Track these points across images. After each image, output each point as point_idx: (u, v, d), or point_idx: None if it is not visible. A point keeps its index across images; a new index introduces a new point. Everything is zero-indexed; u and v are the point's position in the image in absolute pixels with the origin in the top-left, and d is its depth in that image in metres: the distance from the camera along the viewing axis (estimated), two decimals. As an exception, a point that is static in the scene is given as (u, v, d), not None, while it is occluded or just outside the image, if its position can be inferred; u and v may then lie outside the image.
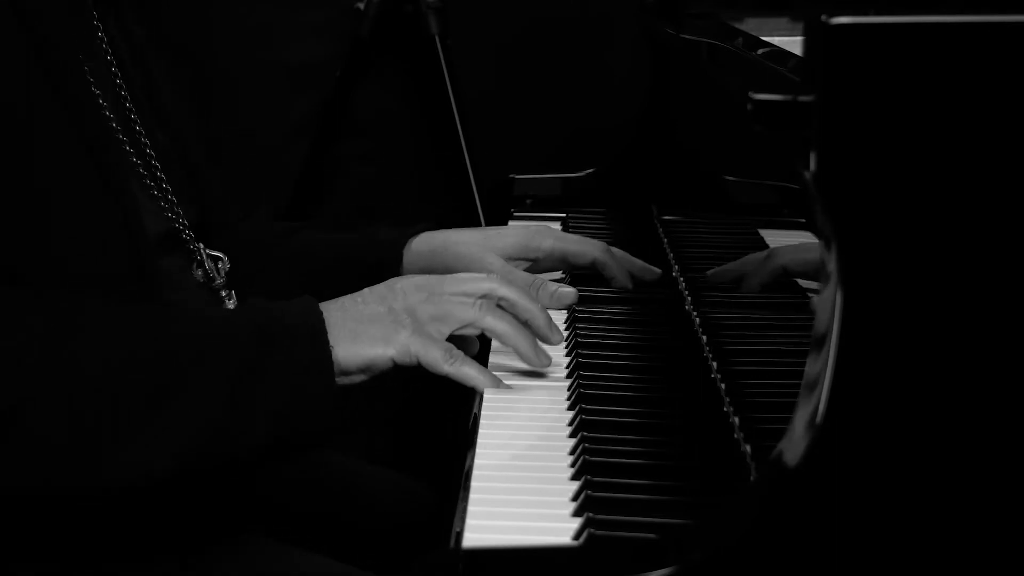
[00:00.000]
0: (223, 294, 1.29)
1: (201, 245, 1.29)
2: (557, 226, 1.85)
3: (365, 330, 1.12)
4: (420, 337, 1.13)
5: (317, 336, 1.09)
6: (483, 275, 1.23)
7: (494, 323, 1.17)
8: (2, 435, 0.98)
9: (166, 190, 1.26)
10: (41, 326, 1.03)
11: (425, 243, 1.42)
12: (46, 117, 1.10)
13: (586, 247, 1.42)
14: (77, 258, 1.10)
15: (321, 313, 1.11)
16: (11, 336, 1.01)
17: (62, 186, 1.10)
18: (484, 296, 1.17)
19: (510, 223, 1.88)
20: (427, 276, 1.19)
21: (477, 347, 1.22)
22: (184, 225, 1.27)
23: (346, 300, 1.15)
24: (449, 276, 1.20)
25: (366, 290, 1.17)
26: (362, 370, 1.12)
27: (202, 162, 1.36)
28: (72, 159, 1.12)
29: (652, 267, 1.51)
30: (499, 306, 1.18)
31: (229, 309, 1.13)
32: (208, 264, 1.29)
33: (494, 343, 1.26)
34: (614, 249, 1.47)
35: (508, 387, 1.19)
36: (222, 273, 1.29)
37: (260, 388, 1.05)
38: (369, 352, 1.11)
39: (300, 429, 1.09)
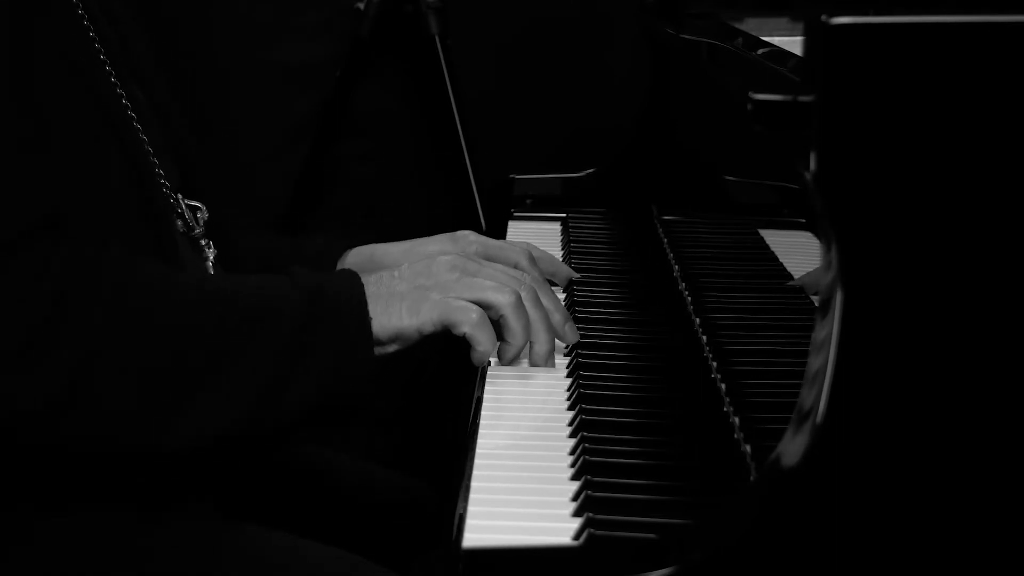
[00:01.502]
0: (203, 243, 1.31)
1: (180, 196, 1.30)
2: (557, 226, 1.85)
3: (396, 303, 1.16)
4: (444, 302, 1.17)
5: (360, 310, 1.15)
6: (518, 271, 1.27)
7: (518, 314, 1.19)
8: (73, 388, 1.03)
9: (144, 143, 1.26)
10: (113, 281, 1.07)
11: (355, 256, 1.45)
12: (50, 67, 1.12)
13: (508, 252, 1.42)
14: (93, 211, 1.13)
15: (363, 288, 1.16)
16: (84, 288, 1.05)
17: (77, 139, 1.14)
18: (516, 288, 1.20)
19: (508, 223, 1.88)
20: (464, 258, 1.23)
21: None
22: (161, 175, 1.28)
23: (384, 275, 1.20)
24: (486, 262, 1.25)
25: (405, 265, 1.22)
26: (392, 340, 1.17)
27: (181, 124, 1.38)
28: (85, 112, 1.15)
29: (570, 270, 1.53)
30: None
31: (281, 278, 1.16)
32: (187, 214, 1.30)
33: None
34: (537, 251, 1.47)
35: (502, 367, 1.22)
36: (201, 222, 1.31)
37: (309, 357, 1.11)
38: (398, 323, 1.16)
39: (340, 396, 1.14)
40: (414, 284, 1.18)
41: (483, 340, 1.17)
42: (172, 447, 1.09)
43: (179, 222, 1.30)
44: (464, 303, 1.17)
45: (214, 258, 1.31)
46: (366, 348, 1.14)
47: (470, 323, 1.16)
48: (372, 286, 1.17)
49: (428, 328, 1.16)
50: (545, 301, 1.24)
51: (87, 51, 1.21)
